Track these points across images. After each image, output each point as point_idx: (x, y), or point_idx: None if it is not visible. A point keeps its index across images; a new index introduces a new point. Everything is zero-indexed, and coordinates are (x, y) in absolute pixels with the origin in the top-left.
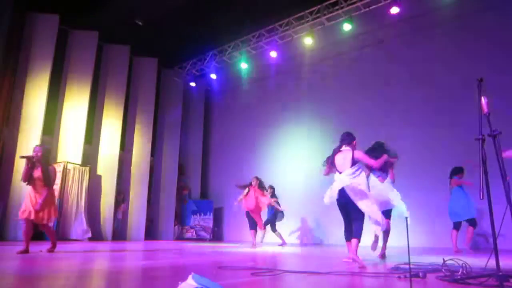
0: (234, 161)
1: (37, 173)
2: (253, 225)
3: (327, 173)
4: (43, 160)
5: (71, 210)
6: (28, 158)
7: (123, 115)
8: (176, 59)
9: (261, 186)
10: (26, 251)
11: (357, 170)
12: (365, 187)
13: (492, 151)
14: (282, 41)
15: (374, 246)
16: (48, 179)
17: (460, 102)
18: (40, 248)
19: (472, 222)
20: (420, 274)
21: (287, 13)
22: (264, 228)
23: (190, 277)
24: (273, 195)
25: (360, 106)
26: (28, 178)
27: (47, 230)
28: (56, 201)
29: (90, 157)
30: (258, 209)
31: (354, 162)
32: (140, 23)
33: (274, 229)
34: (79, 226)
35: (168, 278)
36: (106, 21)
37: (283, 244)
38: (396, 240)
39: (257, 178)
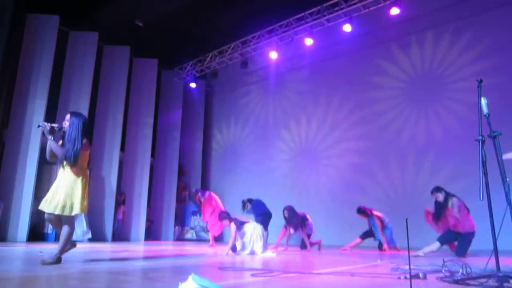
0: (234, 162)
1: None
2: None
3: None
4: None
5: None
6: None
7: (123, 116)
8: (176, 60)
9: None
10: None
11: None
12: None
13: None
14: (282, 42)
15: None
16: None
17: (462, 101)
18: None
19: None
20: (420, 275)
21: (287, 14)
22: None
23: (190, 277)
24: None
25: (361, 106)
26: (51, 156)
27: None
28: (83, 188)
29: (90, 158)
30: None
31: None
32: (140, 24)
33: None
34: (79, 227)
35: (168, 279)
36: (106, 22)
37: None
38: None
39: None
